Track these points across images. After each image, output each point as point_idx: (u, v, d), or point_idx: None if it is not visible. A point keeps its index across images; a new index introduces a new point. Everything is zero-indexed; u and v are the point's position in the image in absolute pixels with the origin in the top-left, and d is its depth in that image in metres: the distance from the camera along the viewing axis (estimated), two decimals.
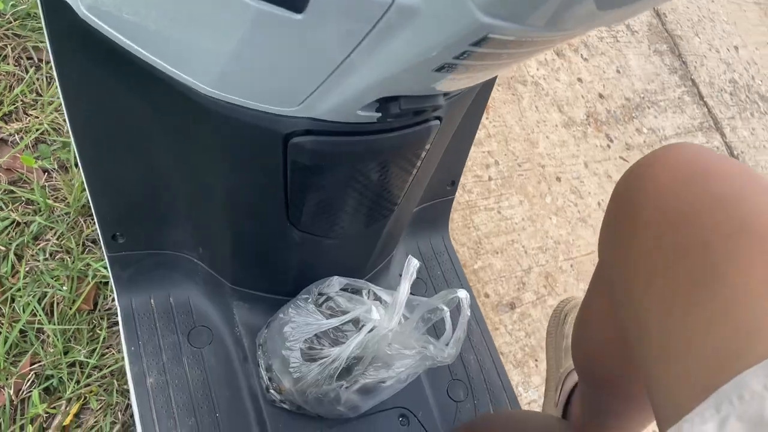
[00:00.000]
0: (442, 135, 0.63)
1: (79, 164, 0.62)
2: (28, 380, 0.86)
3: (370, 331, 0.62)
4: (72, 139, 0.61)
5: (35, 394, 0.84)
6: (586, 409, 0.74)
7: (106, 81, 0.53)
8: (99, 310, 0.94)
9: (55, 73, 0.54)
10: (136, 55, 0.46)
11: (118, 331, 0.91)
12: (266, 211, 0.61)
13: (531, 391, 1.20)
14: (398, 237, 0.81)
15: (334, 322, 0.63)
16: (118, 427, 0.88)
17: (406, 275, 0.61)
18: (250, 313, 0.76)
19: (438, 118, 0.56)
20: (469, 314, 0.59)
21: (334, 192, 0.58)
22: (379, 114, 0.48)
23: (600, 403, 0.69)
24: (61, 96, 0.55)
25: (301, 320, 0.65)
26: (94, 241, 1.00)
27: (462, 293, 0.59)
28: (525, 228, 1.42)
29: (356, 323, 0.65)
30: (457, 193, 1.42)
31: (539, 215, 1.46)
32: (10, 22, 1.11)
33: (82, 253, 0.96)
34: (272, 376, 0.68)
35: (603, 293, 0.57)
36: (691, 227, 0.37)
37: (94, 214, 0.68)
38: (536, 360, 1.24)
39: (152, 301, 0.76)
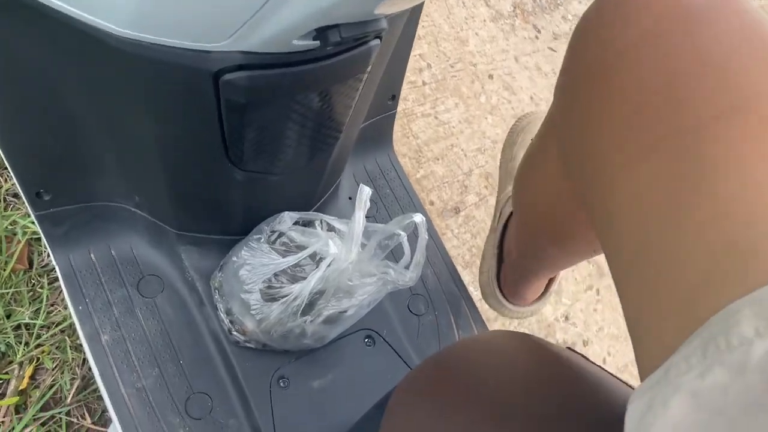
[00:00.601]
0: (382, 53, 0.59)
1: None
2: None
3: (329, 265, 0.61)
4: None
5: None
6: (519, 245, 0.76)
7: (2, 30, 0.45)
8: (36, 268, 0.88)
9: None
10: None
11: (57, 285, 0.86)
12: (203, 153, 0.56)
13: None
14: (344, 162, 0.78)
15: (291, 260, 0.61)
16: (78, 381, 0.85)
17: (360, 204, 0.59)
18: (200, 257, 0.72)
19: (378, 36, 0.52)
20: (426, 238, 0.58)
21: (274, 127, 0.54)
22: (318, 42, 0.44)
23: (536, 245, 0.70)
24: None
25: (256, 262, 0.62)
26: (16, 195, 0.92)
27: (418, 218, 0.58)
28: (462, 131, 1.40)
29: (313, 257, 0.63)
30: None
31: (475, 116, 1.45)
32: None
33: (5, 210, 0.89)
34: (233, 319, 0.66)
35: (553, 148, 0.53)
36: (674, 102, 0.30)
37: (11, 173, 0.61)
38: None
39: (92, 255, 0.71)
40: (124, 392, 0.65)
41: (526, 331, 1.24)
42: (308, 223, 0.67)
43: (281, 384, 0.70)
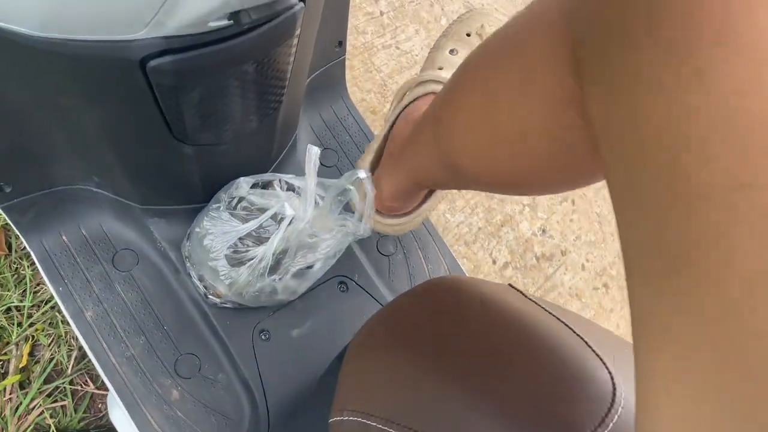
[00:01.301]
0: (311, 11, 0.58)
1: None
2: None
3: (289, 225, 0.63)
4: None
5: None
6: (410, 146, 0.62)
7: None
8: (15, 252, 0.90)
9: None
10: None
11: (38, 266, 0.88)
12: (148, 134, 0.57)
13: (458, 214, 1.27)
14: (296, 117, 0.78)
15: (252, 225, 0.63)
16: (75, 352, 0.89)
17: (309, 165, 0.60)
18: (168, 227, 0.74)
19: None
20: (371, 192, 0.60)
21: (212, 103, 0.54)
22: (232, 22, 0.44)
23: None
24: None
25: (217, 230, 0.64)
26: None
27: (362, 173, 0.59)
28: (425, 57, 1.38)
29: (275, 218, 0.65)
30: (352, 36, 1.35)
31: None
32: None
33: None
34: (206, 284, 0.69)
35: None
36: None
37: None
38: None
39: (64, 237, 0.73)
40: (115, 362, 0.69)
41: (504, 248, 1.28)
42: (267, 185, 0.69)
43: (262, 337, 0.73)
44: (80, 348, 0.89)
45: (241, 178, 0.66)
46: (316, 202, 0.63)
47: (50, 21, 0.40)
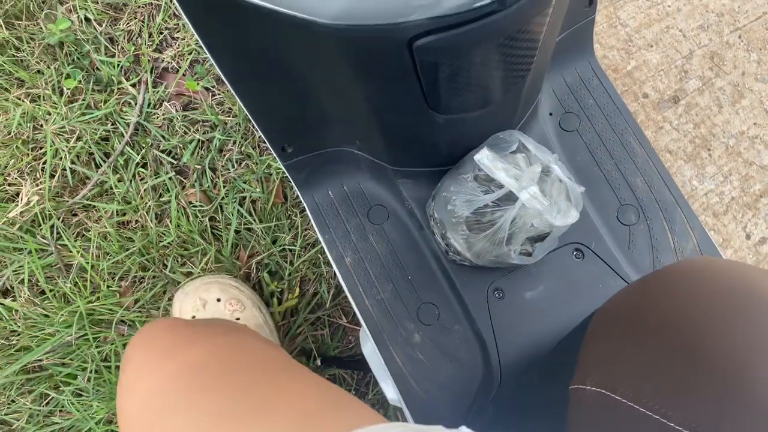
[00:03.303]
0: None
1: (237, 99, 0.67)
2: (254, 268, 1.01)
3: (521, 207, 0.63)
4: (225, 80, 0.65)
5: (265, 276, 1.00)
6: None
7: (238, 29, 0.55)
8: (289, 201, 1.04)
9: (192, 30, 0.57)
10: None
11: (306, 214, 1.02)
12: (407, 105, 0.61)
13: (707, 181, 1.14)
14: (541, 81, 0.76)
15: (490, 197, 0.64)
16: (332, 290, 1.02)
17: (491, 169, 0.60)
18: (415, 188, 0.80)
19: None
20: (562, 177, 0.58)
21: (466, 77, 0.56)
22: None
23: None
24: (209, 55, 0.59)
25: (461, 196, 0.67)
26: (264, 144, 1.09)
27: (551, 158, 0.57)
28: (680, 9, 1.24)
29: (510, 195, 0.66)
30: None
31: None
32: None
33: (260, 155, 1.06)
34: (447, 243, 0.73)
35: None
36: None
37: (261, 134, 0.74)
38: (708, 149, 1.16)
39: (330, 192, 0.83)
40: (368, 303, 0.78)
41: (762, 221, 1.12)
42: (507, 152, 0.69)
43: (497, 295, 0.76)
44: (336, 286, 1.02)
45: (485, 150, 0.68)
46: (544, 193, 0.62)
47: (343, 13, 0.46)
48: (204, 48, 0.59)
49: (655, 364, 0.39)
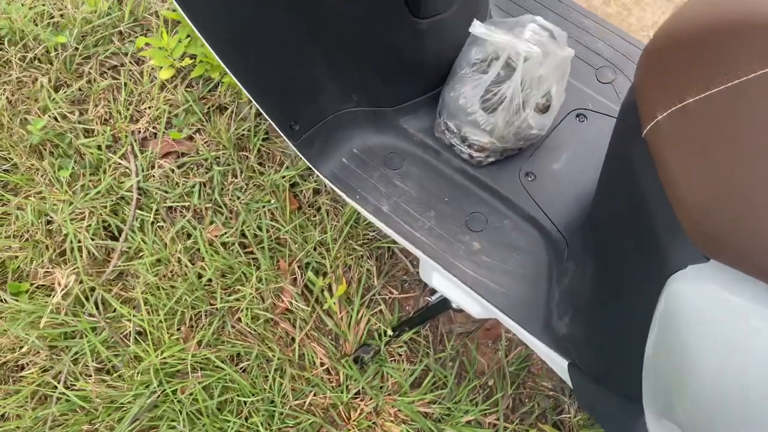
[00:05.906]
0: None
1: (243, 88, 0.71)
2: (297, 273, 1.02)
3: (524, 62, 0.68)
4: (226, 68, 0.68)
5: (310, 275, 1.00)
6: None
7: None
8: (304, 205, 1.07)
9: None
10: None
11: (323, 209, 1.04)
12: (392, 19, 0.67)
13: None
14: None
15: (493, 70, 0.69)
16: (374, 269, 1.03)
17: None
18: (417, 119, 0.84)
19: None
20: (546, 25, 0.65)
21: None
22: None
23: None
24: (202, 40, 0.63)
25: (468, 87, 0.72)
26: (261, 163, 1.11)
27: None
28: None
29: (508, 64, 0.71)
30: None
31: None
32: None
33: (261, 174, 1.08)
34: (470, 143, 0.77)
35: None
36: None
37: (269, 120, 0.77)
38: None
39: (344, 159, 0.86)
40: (419, 235, 0.80)
41: None
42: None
43: (529, 178, 0.80)
44: (376, 264, 1.03)
45: (477, 22, 0.71)
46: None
47: None
48: (194, 28, 0.63)
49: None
